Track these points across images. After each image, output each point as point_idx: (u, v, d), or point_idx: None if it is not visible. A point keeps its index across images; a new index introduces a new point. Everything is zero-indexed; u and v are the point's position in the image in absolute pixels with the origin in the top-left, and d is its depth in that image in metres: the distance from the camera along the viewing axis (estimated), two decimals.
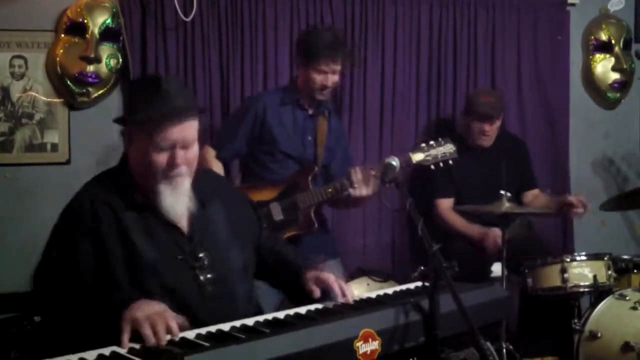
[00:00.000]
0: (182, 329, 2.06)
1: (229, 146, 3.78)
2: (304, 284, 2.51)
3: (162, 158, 2.28)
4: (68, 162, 4.19)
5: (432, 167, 3.65)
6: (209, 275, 2.36)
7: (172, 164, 2.28)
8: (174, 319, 2.04)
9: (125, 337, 1.97)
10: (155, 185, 2.31)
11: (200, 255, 2.37)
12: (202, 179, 2.45)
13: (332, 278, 2.50)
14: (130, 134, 2.36)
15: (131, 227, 2.29)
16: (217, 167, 3.74)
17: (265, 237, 2.73)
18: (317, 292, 2.47)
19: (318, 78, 3.68)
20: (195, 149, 2.35)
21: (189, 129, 2.30)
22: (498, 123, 4.35)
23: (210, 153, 3.78)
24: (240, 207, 2.64)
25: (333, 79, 3.72)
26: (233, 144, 3.77)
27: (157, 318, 2.00)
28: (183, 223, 2.38)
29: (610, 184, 5.28)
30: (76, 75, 4.05)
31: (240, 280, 2.47)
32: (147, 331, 1.96)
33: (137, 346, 1.94)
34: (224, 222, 2.49)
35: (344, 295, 2.46)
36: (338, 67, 3.71)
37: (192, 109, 2.34)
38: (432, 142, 3.67)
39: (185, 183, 2.34)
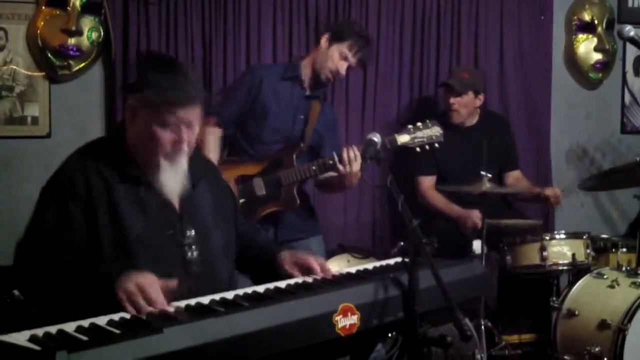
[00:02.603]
0: (172, 293, 2.10)
1: (223, 111, 3.77)
2: (279, 268, 2.54)
3: (166, 134, 2.30)
4: (48, 135, 4.15)
5: (418, 149, 3.62)
6: (195, 254, 2.39)
7: (177, 141, 2.32)
8: (159, 290, 2.05)
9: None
10: (153, 160, 2.33)
11: (190, 233, 2.39)
12: (192, 159, 2.46)
13: (310, 258, 2.52)
14: (134, 107, 2.36)
15: (122, 199, 2.31)
16: (214, 134, 3.74)
17: (240, 222, 2.74)
18: (297, 275, 2.50)
19: (337, 59, 3.70)
20: (196, 130, 2.39)
21: (196, 112, 2.35)
22: (466, 99, 4.32)
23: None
24: (222, 188, 2.68)
25: (345, 68, 3.75)
26: (227, 109, 3.77)
27: (140, 290, 2.03)
28: (175, 202, 2.41)
29: (590, 165, 5.31)
30: (57, 47, 4.01)
31: (223, 260, 2.50)
32: (130, 305, 2.02)
33: (116, 318, 1.94)
34: (209, 203, 2.52)
35: (324, 272, 2.49)
36: (354, 60, 3.74)
37: (202, 96, 2.39)
38: (419, 124, 3.60)
39: (183, 161, 2.37)
